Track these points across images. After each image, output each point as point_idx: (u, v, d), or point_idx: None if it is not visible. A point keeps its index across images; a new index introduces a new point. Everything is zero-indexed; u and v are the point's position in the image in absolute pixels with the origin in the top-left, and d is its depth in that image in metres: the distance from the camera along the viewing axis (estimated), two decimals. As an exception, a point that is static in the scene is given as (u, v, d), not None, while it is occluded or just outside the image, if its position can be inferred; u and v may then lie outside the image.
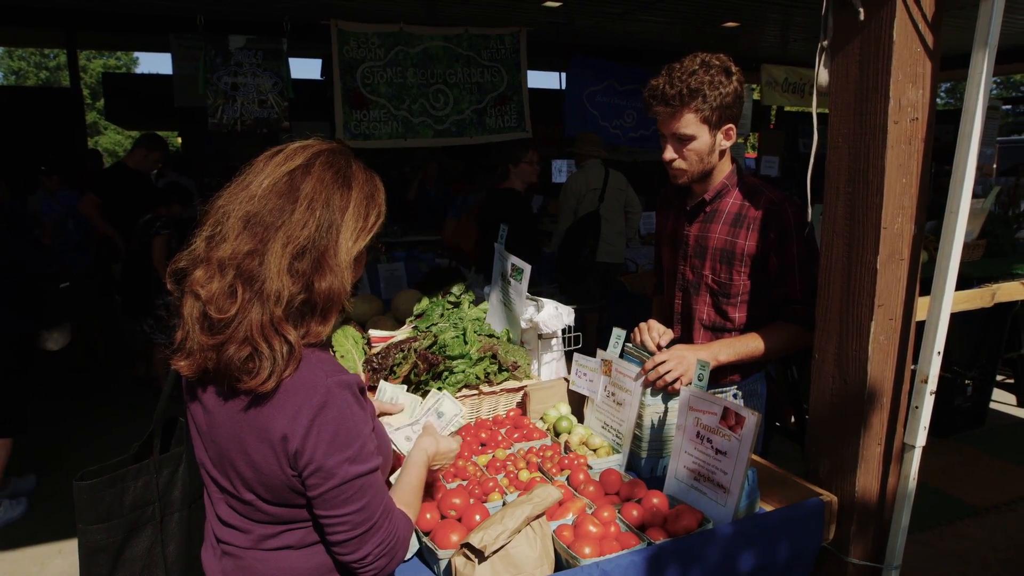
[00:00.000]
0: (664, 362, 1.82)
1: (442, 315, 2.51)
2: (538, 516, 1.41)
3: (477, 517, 1.51)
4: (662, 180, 2.23)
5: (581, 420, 2.12)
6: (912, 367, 1.62)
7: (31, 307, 3.69)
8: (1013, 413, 5.03)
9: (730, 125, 1.94)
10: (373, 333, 2.48)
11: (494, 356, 2.27)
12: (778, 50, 9.09)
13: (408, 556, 1.52)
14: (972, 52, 1.43)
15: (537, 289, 2.87)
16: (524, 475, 1.81)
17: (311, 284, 1.13)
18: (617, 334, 1.98)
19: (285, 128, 5.95)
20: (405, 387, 1.96)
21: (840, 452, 1.68)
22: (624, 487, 1.71)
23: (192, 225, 1.21)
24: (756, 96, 9.37)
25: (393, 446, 1.52)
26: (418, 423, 1.72)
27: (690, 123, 1.88)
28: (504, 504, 1.57)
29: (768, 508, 1.70)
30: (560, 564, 1.44)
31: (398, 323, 2.80)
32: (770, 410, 2.28)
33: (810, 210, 1.85)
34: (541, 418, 2.20)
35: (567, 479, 1.77)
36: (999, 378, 5.10)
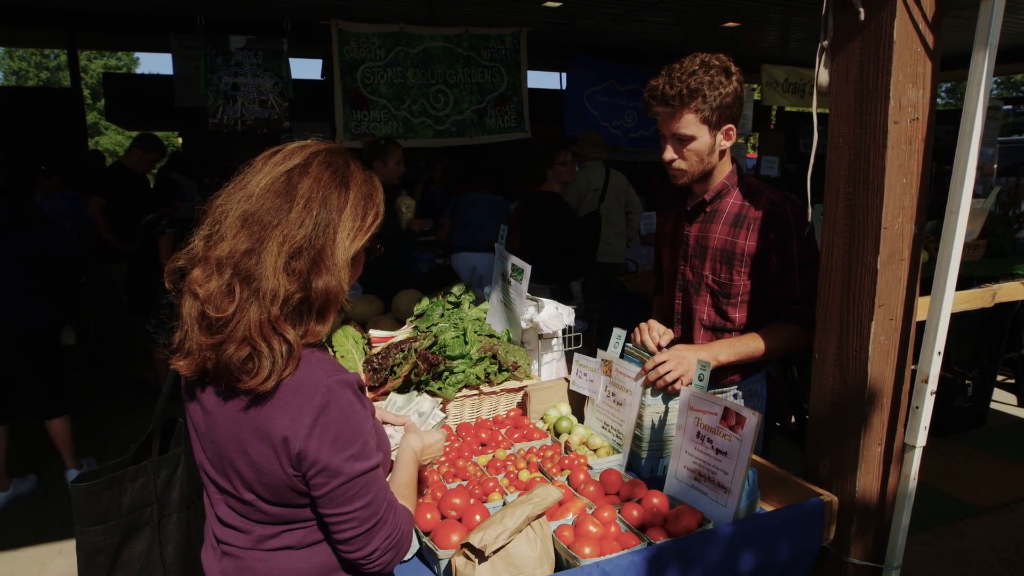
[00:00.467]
0: (664, 362, 1.82)
1: (442, 315, 2.51)
2: (538, 516, 1.41)
3: (477, 517, 1.51)
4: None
5: (581, 420, 2.12)
6: (912, 367, 1.62)
7: (64, 299, 3.92)
8: (1014, 413, 5.03)
9: (730, 125, 1.93)
10: (373, 333, 2.48)
11: (494, 356, 2.27)
12: (778, 50, 9.09)
13: (408, 556, 1.52)
14: (972, 52, 1.42)
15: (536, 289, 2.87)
16: (524, 475, 1.81)
17: (308, 283, 1.13)
18: (618, 334, 1.98)
19: (285, 128, 5.96)
20: (415, 394, 1.95)
21: (840, 452, 1.68)
22: (624, 487, 1.71)
23: (192, 224, 1.21)
24: (756, 96, 9.37)
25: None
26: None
27: (690, 123, 1.88)
28: (504, 504, 1.57)
29: (768, 508, 1.70)
30: (560, 564, 1.44)
31: (398, 323, 2.80)
32: (770, 410, 2.28)
33: (810, 210, 1.85)
34: (541, 418, 2.20)
35: (567, 479, 1.77)
36: (999, 378, 5.10)
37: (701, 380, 1.67)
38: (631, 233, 5.94)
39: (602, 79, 7.51)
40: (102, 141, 26.69)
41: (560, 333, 2.46)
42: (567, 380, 2.25)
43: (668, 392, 1.85)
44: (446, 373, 2.19)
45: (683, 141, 1.91)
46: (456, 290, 2.68)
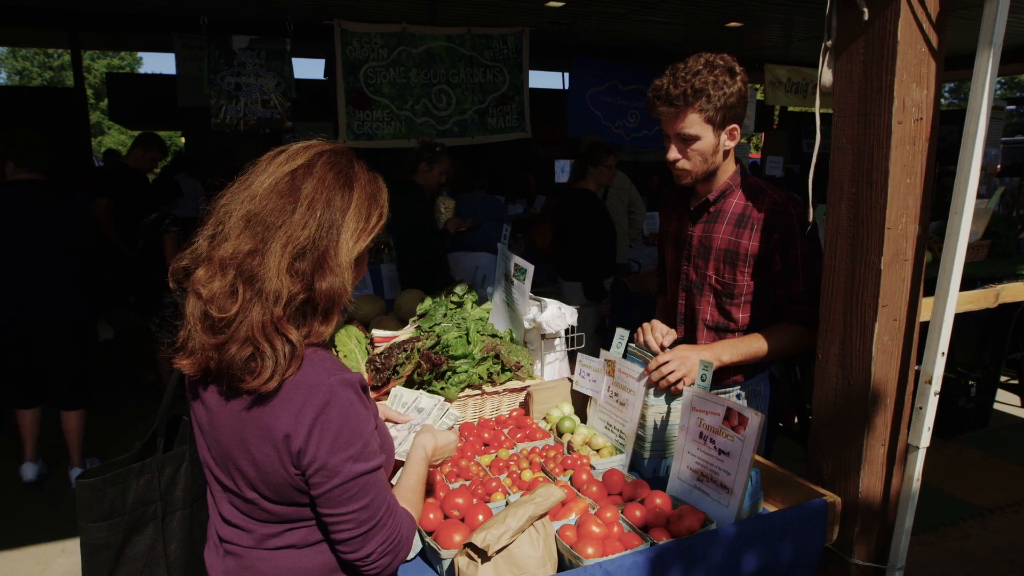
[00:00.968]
0: (667, 362, 1.82)
1: (445, 315, 2.51)
2: (541, 516, 1.41)
3: (480, 517, 1.51)
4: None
5: (584, 420, 2.12)
6: (916, 368, 1.62)
7: (101, 291, 4.07)
8: (1017, 414, 5.02)
9: (734, 125, 1.93)
10: (376, 333, 2.48)
11: (497, 356, 2.27)
12: (781, 50, 9.08)
13: (411, 556, 1.52)
14: (977, 52, 1.42)
15: (538, 289, 2.87)
16: (527, 475, 1.82)
17: (312, 284, 1.14)
18: (621, 334, 1.98)
19: (288, 128, 5.96)
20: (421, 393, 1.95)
21: (843, 453, 1.67)
22: (627, 487, 1.71)
23: (196, 223, 1.22)
24: (759, 96, 9.36)
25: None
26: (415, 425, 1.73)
27: (694, 123, 1.88)
28: (507, 504, 1.57)
29: (771, 509, 1.70)
30: (563, 564, 1.44)
31: (401, 323, 2.80)
32: (773, 411, 2.27)
33: (812, 210, 1.85)
34: (544, 418, 2.20)
35: (570, 479, 1.77)
36: (1003, 379, 5.09)
37: (704, 380, 1.67)
38: (634, 233, 5.93)
39: (604, 79, 7.50)
40: (105, 141, 26.74)
41: (563, 333, 2.46)
42: (570, 380, 2.25)
43: (671, 392, 1.85)
44: (449, 373, 2.19)
45: (687, 141, 1.91)
46: (459, 290, 2.68)
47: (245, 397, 1.14)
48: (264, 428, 1.14)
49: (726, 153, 1.98)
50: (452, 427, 1.75)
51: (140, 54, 30.90)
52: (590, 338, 2.04)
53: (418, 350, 2.16)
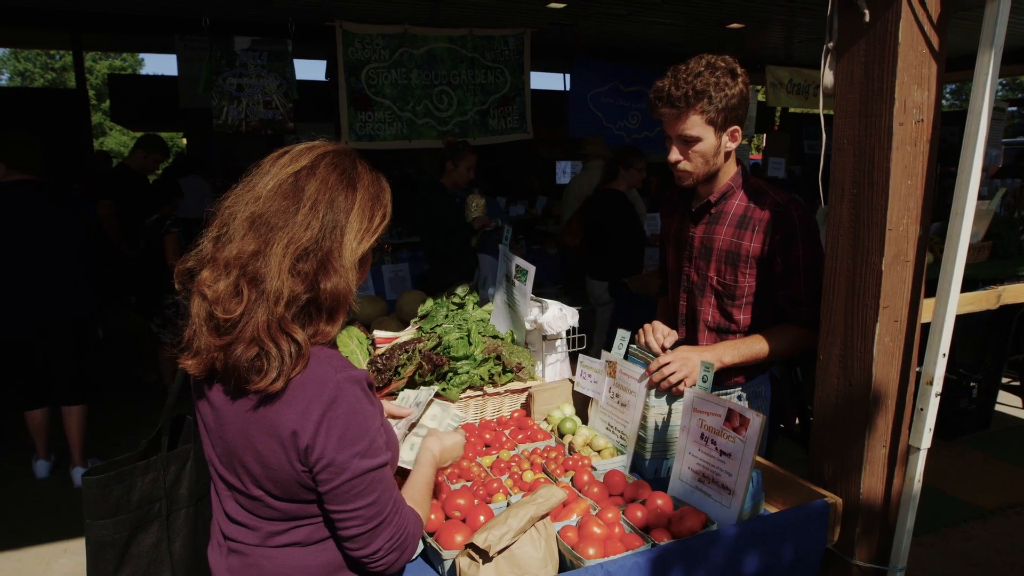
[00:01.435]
0: (668, 363, 1.82)
1: (446, 316, 2.51)
2: (542, 517, 1.41)
3: (481, 518, 1.51)
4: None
5: (585, 421, 2.12)
6: (917, 369, 1.62)
7: (101, 288, 4.16)
8: (1018, 415, 5.02)
9: (735, 127, 1.93)
10: (378, 334, 2.49)
11: (498, 357, 2.27)
12: (783, 51, 9.08)
13: (413, 556, 1.52)
14: (978, 53, 1.42)
15: (540, 290, 2.88)
16: (528, 476, 1.82)
17: (316, 284, 1.14)
18: (622, 335, 1.98)
19: (290, 129, 5.97)
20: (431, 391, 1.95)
21: (845, 454, 1.68)
22: (628, 488, 1.71)
23: (198, 224, 1.22)
24: (761, 97, 9.36)
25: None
26: (422, 426, 1.73)
27: (695, 125, 1.88)
28: (508, 505, 1.57)
29: (772, 510, 1.70)
30: (564, 565, 1.44)
31: (403, 324, 2.80)
32: (774, 412, 2.27)
33: (823, 201, 1.84)
34: (545, 419, 2.20)
35: (571, 480, 1.77)
36: (1004, 380, 5.09)
37: (705, 382, 1.67)
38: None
39: (606, 80, 7.51)
40: (107, 142, 26.81)
41: (564, 334, 2.46)
42: (571, 381, 2.25)
43: (672, 393, 1.85)
44: (450, 374, 2.19)
45: (689, 142, 1.91)
46: (460, 291, 2.68)
47: (252, 397, 1.15)
48: (271, 426, 1.14)
49: (727, 154, 1.98)
50: (457, 428, 1.76)
51: (142, 55, 30.97)
52: (611, 334, 2.05)
53: (420, 351, 2.16)
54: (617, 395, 1.97)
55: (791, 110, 11.08)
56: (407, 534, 1.23)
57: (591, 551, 1.40)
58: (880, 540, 1.69)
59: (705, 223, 2.07)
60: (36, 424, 3.97)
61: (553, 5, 6.18)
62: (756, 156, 14.09)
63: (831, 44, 1.61)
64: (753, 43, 8.46)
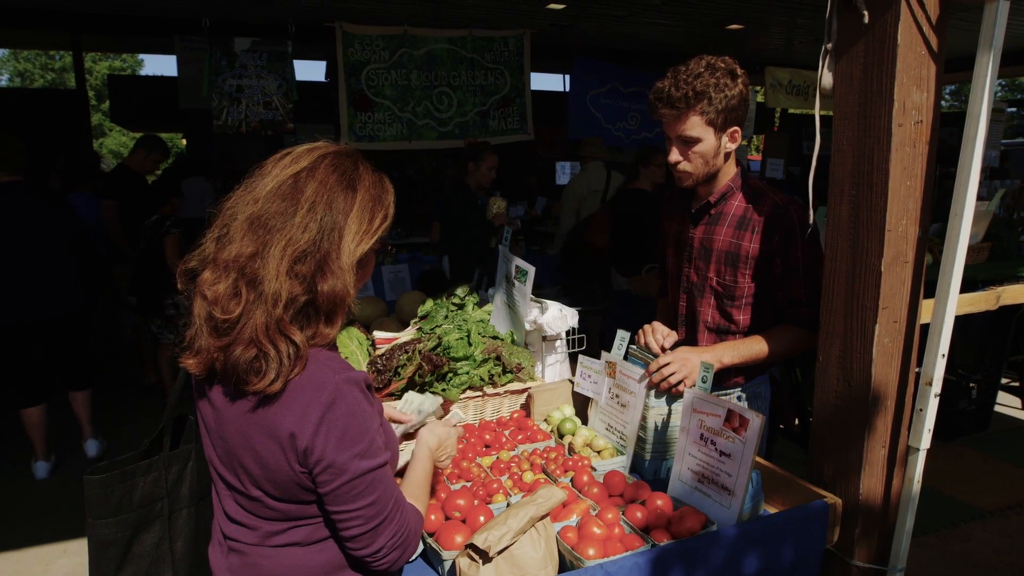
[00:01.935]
0: (668, 364, 1.82)
1: (446, 317, 2.51)
2: (542, 517, 1.41)
3: (481, 518, 1.51)
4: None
5: (585, 422, 2.13)
6: (916, 370, 1.62)
7: (93, 285, 4.28)
8: (1018, 416, 5.02)
9: (735, 128, 1.94)
10: (377, 335, 2.49)
11: (498, 358, 2.27)
12: (782, 52, 9.08)
13: (412, 557, 1.52)
14: (977, 55, 1.43)
15: (540, 291, 2.88)
16: (528, 477, 1.82)
17: (314, 286, 1.14)
18: (621, 336, 1.99)
19: (289, 130, 5.97)
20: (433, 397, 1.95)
21: (844, 455, 1.68)
22: (628, 489, 1.71)
23: (198, 225, 1.22)
24: (760, 99, 9.36)
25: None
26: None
27: (695, 125, 1.88)
28: (508, 505, 1.58)
29: (772, 510, 1.70)
30: (564, 565, 1.45)
31: (402, 325, 2.80)
32: (774, 412, 2.28)
33: (812, 213, 1.85)
34: (545, 420, 2.20)
35: (571, 481, 1.77)
36: (1004, 381, 5.09)
37: (704, 382, 1.67)
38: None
39: (605, 81, 7.51)
40: (107, 142, 26.81)
41: (564, 335, 2.46)
42: (571, 382, 2.25)
43: (672, 394, 1.85)
44: (450, 375, 2.19)
45: (688, 143, 1.92)
46: (460, 292, 2.68)
47: (251, 398, 1.15)
48: (270, 427, 1.14)
49: (727, 155, 1.98)
50: (455, 424, 1.76)
51: (141, 56, 30.98)
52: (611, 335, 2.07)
53: (419, 352, 2.16)
54: (617, 396, 1.97)
55: (791, 111, 11.09)
56: (409, 532, 1.23)
57: (591, 551, 1.41)
58: (879, 541, 1.69)
59: (705, 224, 2.07)
60: (34, 422, 4.04)
61: (552, 6, 6.18)
62: (756, 157, 14.09)
63: (830, 45, 1.61)
64: (753, 44, 8.46)
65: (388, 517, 1.20)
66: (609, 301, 5.48)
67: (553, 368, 2.46)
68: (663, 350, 1.95)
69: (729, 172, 2.03)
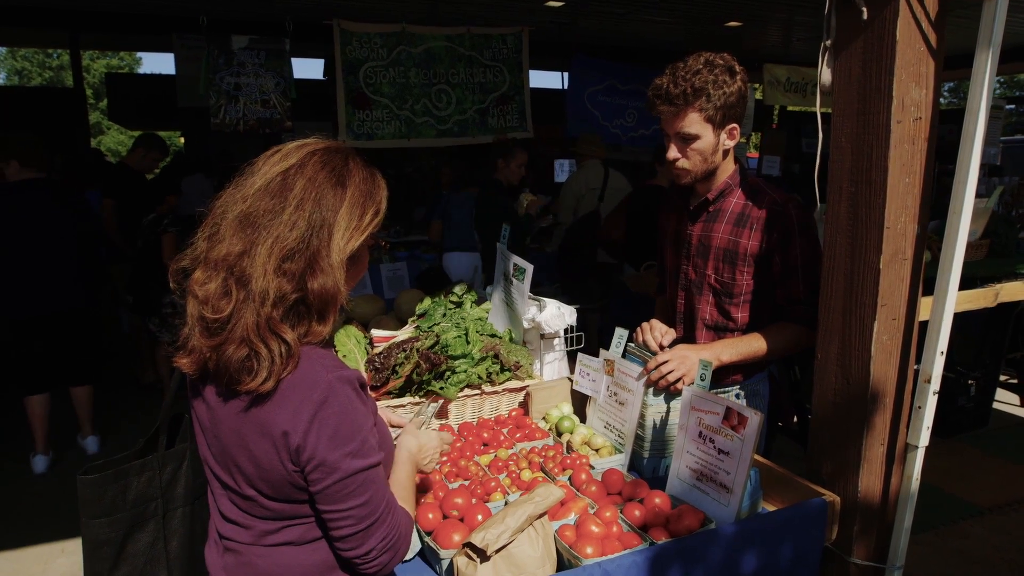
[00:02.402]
0: (666, 362, 1.82)
1: (444, 315, 2.51)
2: (540, 516, 1.41)
3: (479, 517, 1.51)
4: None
5: (583, 420, 2.12)
6: (915, 367, 1.62)
7: (100, 281, 4.47)
8: (1017, 413, 5.02)
9: (734, 125, 1.93)
10: (375, 333, 2.48)
11: (496, 356, 2.27)
12: (781, 49, 9.07)
13: (410, 556, 1.52)
14: (975, 52, 1.42)
15: (538, 289, 2.88)
16: (526, 475, 1.81)
17: (304, 284, 1.13)
18: (620, 334, 1.98)
19: (288, 128, 5.96)
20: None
21: (843, 452, 1.68)
22: (626, 487, 1.71)
23: (195, 222, 1.22)
24: (758, 96, 9.35)
25: None
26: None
27: (694, 122, 1.88)
28: (506, 504, 1.57)
29: (771, 508, 1.70)
30: (562, 564, 1.44)
31: (400, 323, 2.80)
32: (773, 410, 2.27)
33: (818, 207, 1.85)
34: (543, 418, 2.20)
35: (569, 479, 1.77)
36: (1003, 378, 5.09)
37: (703, 380, 1.67)
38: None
39: (603, 78, 7.50)
40: (105, 140, 26.74)
41: (562, 333, 2.46)
42: (569, 380, 2.25)
43: (670, 392, 1.85)
44: (448, 373, 2.19)
45: (687, 140, 1.91)
46: (458, 290, 2.67)
47: (244, 397, 1.14)
48: (262, 425, 1.14)
49: (725, 152, 1.98)
50: (439, 427, 1.75)
51: (139, 54, 30.88)
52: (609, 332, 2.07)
53: (417, 350, 2.15)
54: (615, 393, 1.97)
55: (789, 108, 11.08)
56: (399, 534, 1.22)
57: (589, 550, 1.40)
58: (878, 538, 1.69)
59: (703, 221, 2.07)
60: (36, 412, 4.11)
61: (551, 3, 6.17)
62: (754, 154, 14.08)
63: (829, 42, 1.61)
64: (751, 41, 8.45)
65: (380, 518, 1.18)
66: (607, 299, 5.48)
67: (551, 366, 2.46)
68: (661, 348, 1.94)
69: (728, 169, 2.02)
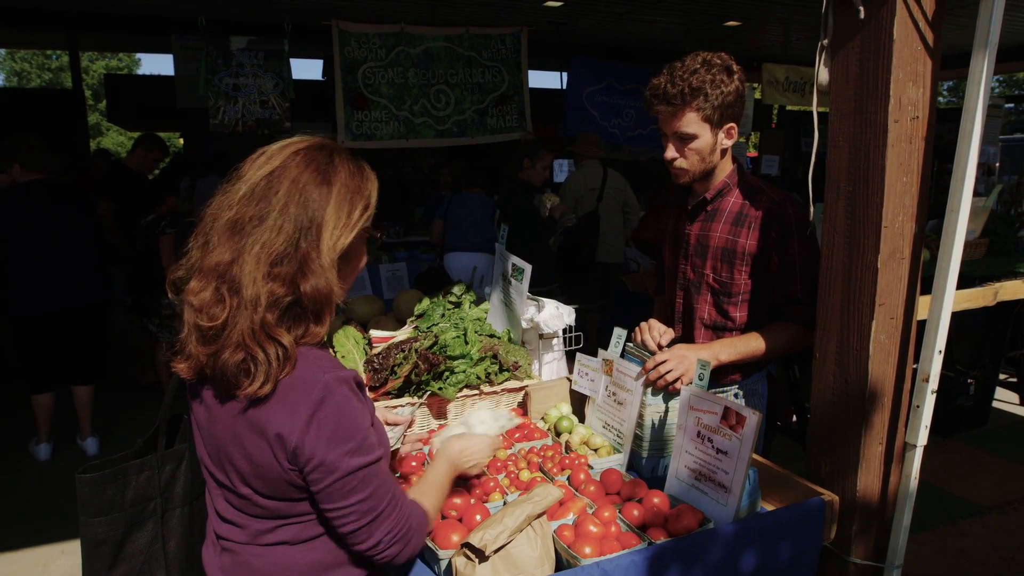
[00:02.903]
0: (665, 361, 1.82)
1: (443, 315, 2.51)
2: (539, 516, 1.41)
3: (478, 517, 1.51)
4: (663, 179, 2.23)
5: (582, 420, 2.12)
6: (914, 366, 1.62)
7: (108, 279, 4.45)
8: (1016, 412, 5.02)
9: (732, 124, 1.93)
10: (374, 333, 2.48)
11: (495, 356, 2.27)
12: (779, 49, 9.07)
13: (418, 548, 1.52)
14: (972, 51, 1.42)
15: (537, 289, 2.88)
16: (525, 475, 1.81)
17: (296, 286, 1.13)
18: (618, 334, 1.98)
19: (287, 129, 5.95)
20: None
21: (841, 451, 1.67)
22: (625, 487, 1.71)
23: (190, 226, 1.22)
24: (757, 95, 9.36)
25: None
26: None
27: (692, 122, 1.88)
28: (505, 504, 1.57)
29: (769, 508, 1.70)
30: (561, 564, 1.44)
31: (399, 323, 2.80)
32: (771, 409, 2.27)
33: (812, 209, 1.85)
34: (542, 418, 2.20)
35: (568, 479, 1.77)
36: (1002, 377, 5.09)
37: (702, 380, 1.66)
38: (628, 233, 5.94)
39: (601, 78, 7.50)
40: (104, 142, 26.76)
41: (561, 333, 2.46)
42: (568, 380, 2.25)
43: (669, 391, 1.85)
44: (447, 373, 2.19)
45: (685, 140, 1.91)
46: (457, 290, 2.68)
47: (241, 399, 1.14)
48: (259, 425, 1.14)
49: (724, 152, 1.98)
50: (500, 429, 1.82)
51: (138, 55, 30.93)
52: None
53: (416, 350, 2.16)
54: (614, 393, 1.97)
55: (788, 108, 11.08)
56: (409, 526, 1.24)
57: (587, 550, 1.40)
58: (877, 537, 1.69)
59: (701, 220, 2.07)
60: (43, 407, 4.20)
61: (550, 3, 6.17)
62: (753, 154, 14.08)
63: (826, 41, 1.61)
64: (750, 41, 8.45)
65: (384, 512, 1.20)
66: (606, 299, 5.48)
67: (550, 366, 2.46)
68: (660, 347, 1.94)
69: (726, 169, 2.02)
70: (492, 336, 2.38)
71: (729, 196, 2.03)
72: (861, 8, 1.49)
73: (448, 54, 6.28)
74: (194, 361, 1.15)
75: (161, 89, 7.80)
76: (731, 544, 1.48)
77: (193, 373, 1.18)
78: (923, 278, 1.60)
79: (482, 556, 1.31)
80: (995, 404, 4.87)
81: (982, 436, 4.54)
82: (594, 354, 2.06)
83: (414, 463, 1.85)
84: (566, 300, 2.56)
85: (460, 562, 1.32)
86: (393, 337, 2.42)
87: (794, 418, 4.14)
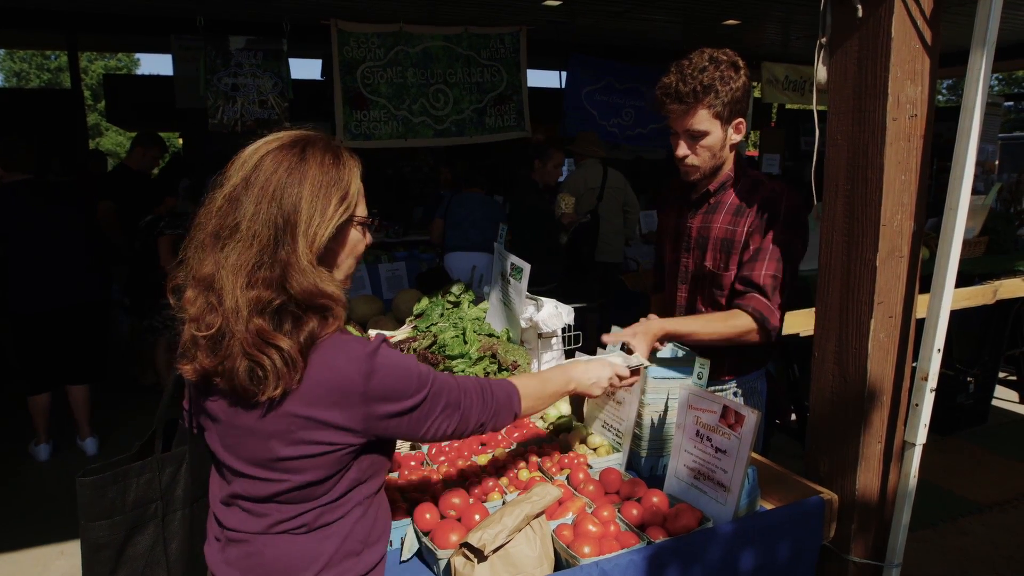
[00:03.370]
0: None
1: (442, 315, 2.51)
2: (537, 515, 1.41)
3: (477, 517, 1.51)
4: (663, 178, 2.23)
5: (581, 419, 2.12)
6: (913, 364, 1.62)
7: (107, 277, 4.50)
8: (1016, 410, 5.02)
9: (740, 119, 1.95)
10: (373, 333, 2.48)
11: (494, 355, 2.27)
12: (779, 48, 9.07)
13: (407, 556, 1.52)
14: (971, 49, 1.42)
15: (536, 289, 2.88)
16: (524, 474, 1.81)
17: (284, 288, 1.13)
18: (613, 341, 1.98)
19: (286, 129, 5.95)
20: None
21: (841, 450, 1.67)
22: (624, 486, 1.71)
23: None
24: (757, 94, 9.36)
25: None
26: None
27: (703, 119, 1.89)
28: (504, 503, 1.57)
29: (768, 507, 1.70)
30: (560, 563, 1.44)
31: (399, 323, 2.80)
32: (770, 408, 2.28)
33: (814, 207, 1.85)
34: (541, 417, 2.20)
35: (567, 478, 1.77)
36: (1001, 375, 5.09)
37: (700, 379, 1.67)
38: (629, 232, 5.93)
39: (600, 77, 7.50)
40: (103, 142, 26.77)
41: (560, 332, 2.46)
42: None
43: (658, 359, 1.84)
44: (446, 372, 2.19)
45: (696, 137, 1.92)
46: (455, 290, 2.68)
47: (272, 398, 1.14)
48: (307, 419, 1.15)
49: (732, 147, 1.99)
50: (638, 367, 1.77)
51: (137, 55, 30.90)
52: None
53: (415, 350, 2.16)
54: (613, 393, 1.96)
55: (787, 106, 11.08)
56: (497, 401, 1.36)
57: (586, 549, 1.40)
58: (876, 536, 1.69)
59: (703, 213, 2.08)
60: (40, 408, 4.21)
61: (549, 3, 6.17)
62: (753, 152, 14.08)
63: (824, 40, 1.61)
64: (749, 40, 8.44)
65: (467, 404, 1.30)
66: (606, 298, 5.47)
67: (549, 365, 2.46)
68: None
69: (730, 163, 2.04)
70: (491, 335, 2.38)
71: (731, 189, 2.04)
72: (859, 6, 1.49)
73: (447, 54, 6.28)
74: (199, 365, 1.15)
75: (160, 89, 7.78)
76: (730, 543, 1.48)
77: (198, 376, 1.17)
78: (922, 276, 1.60)
79: (481, 556, 1.31)
80: (995, 402, 4.87)
81: (982, 434, 4.54)
82: (593, 353, 2.06)
83: (413, 463, 1.85)
84: (565, 299, 2.56)
85: (459, 562, 1.32)
86: (392, 337, 2.42)
87: (793, 416, 4.14)
